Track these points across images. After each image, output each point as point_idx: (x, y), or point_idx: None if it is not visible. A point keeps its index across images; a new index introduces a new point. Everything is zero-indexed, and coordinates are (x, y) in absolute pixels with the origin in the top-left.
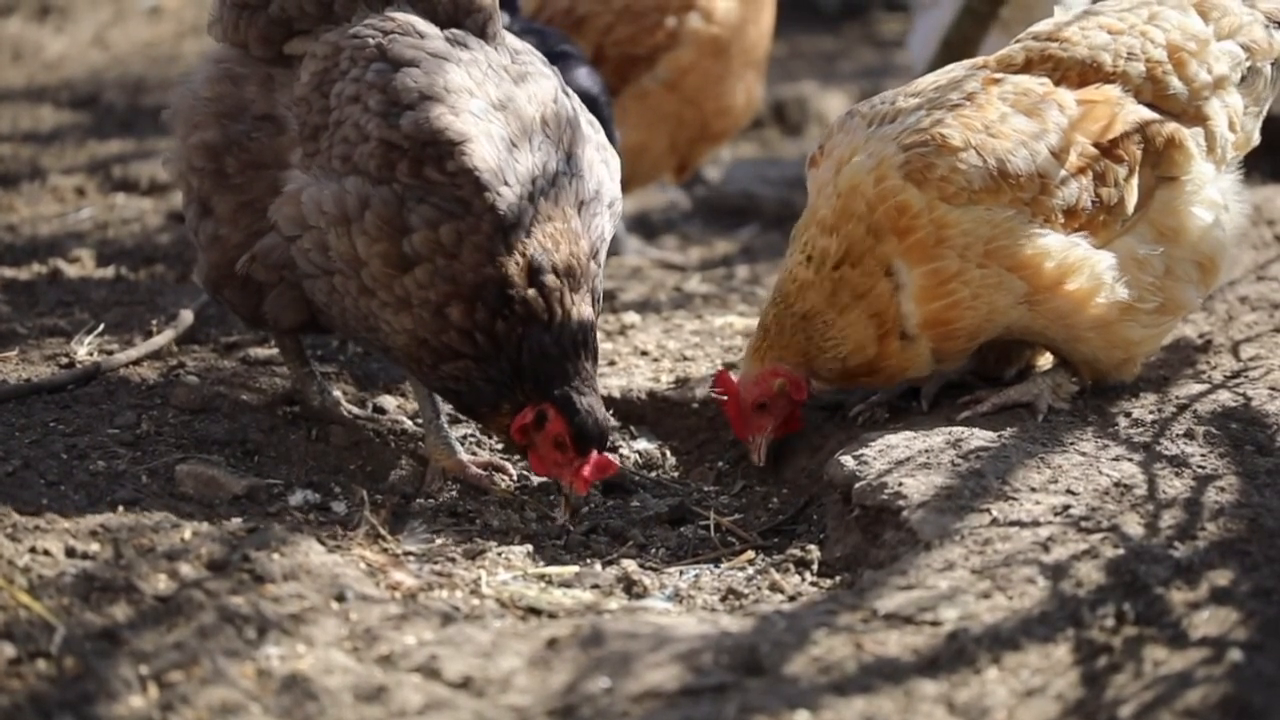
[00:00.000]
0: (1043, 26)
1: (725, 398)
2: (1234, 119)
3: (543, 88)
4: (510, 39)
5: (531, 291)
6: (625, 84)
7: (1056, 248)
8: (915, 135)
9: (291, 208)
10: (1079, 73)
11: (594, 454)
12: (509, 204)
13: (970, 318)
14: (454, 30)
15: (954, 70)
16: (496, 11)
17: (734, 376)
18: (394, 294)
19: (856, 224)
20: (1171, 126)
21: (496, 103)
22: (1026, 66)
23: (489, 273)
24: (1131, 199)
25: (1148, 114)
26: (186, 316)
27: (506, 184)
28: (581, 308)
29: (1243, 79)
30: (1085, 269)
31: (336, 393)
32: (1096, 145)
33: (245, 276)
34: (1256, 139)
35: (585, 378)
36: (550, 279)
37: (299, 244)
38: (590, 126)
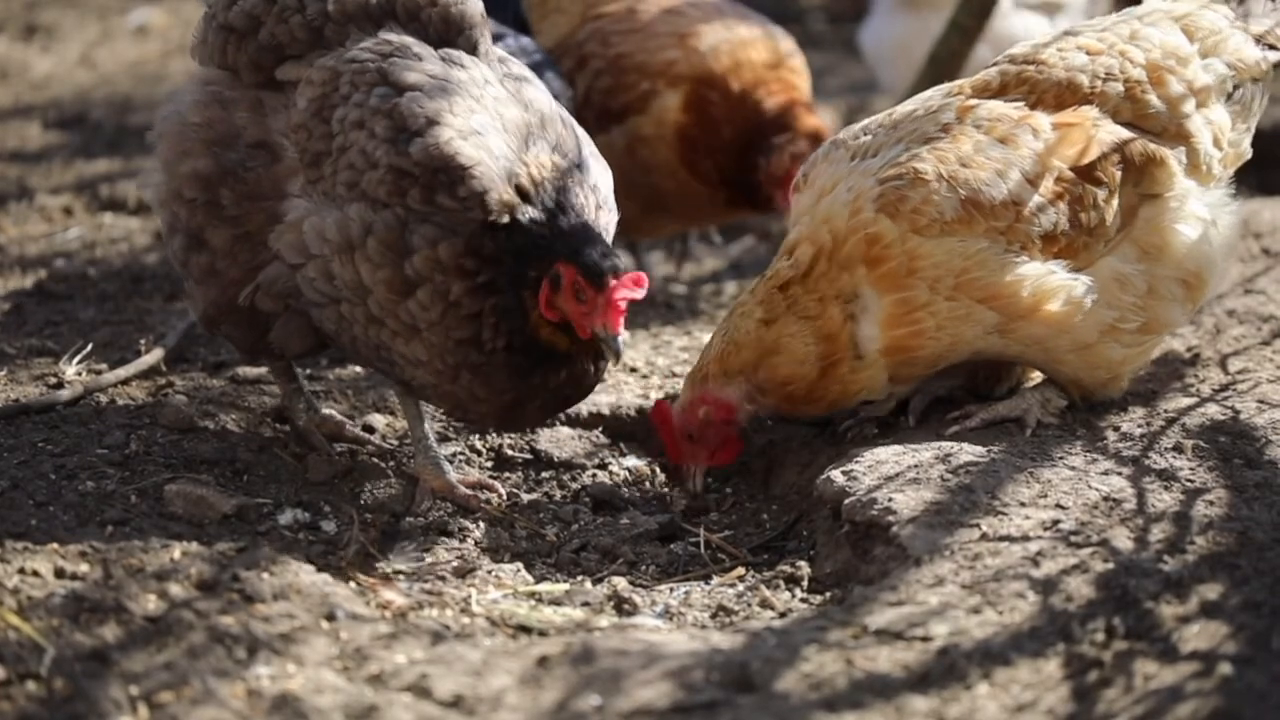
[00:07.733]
0: (1020, 49)
1: (661, 426)
2: (1219, 135)
3: (537, 93)
4: (496, 50)
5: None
6: (599, 133)
7: (1031, 275)
8: (892, 169)
9: (294, 235)
10: (1055, 95)
11: (614, 284)
12: (499, 197)
13: (932, 347)
14: (447, 50)
15: (930, 99)
16: (487, 28)
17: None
18: (400, 321)
19: (819, 253)
20: (1151, 145)
21: (495, 114)
22: (1002, 90)
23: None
24: (1112, 220)
25: (1125, 133)
26: (172, 338)
27: (504, 181)
28: (577, 200)
29: (1229, 96)
30: (1061, 294)
31: (326, 410)
32: (1074, 169)
33: (250, 308)
34: (1248, 153)
35: (593, 239)
36: (532, 190)
37: (303, 272)
38: (587, 144)
